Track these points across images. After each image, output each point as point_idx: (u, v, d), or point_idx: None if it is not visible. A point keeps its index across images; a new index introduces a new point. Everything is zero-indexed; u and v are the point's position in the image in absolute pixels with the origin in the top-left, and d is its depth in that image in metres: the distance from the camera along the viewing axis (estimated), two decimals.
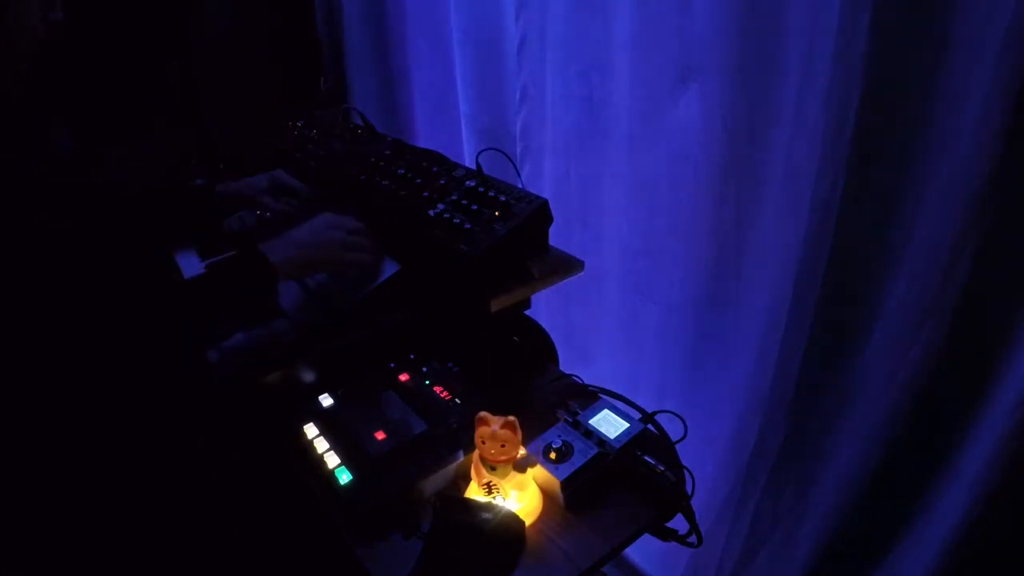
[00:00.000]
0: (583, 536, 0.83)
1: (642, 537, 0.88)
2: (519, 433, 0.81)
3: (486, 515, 0.79)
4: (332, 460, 0.88)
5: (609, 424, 0.92)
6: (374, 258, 1.01)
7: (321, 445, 0.90)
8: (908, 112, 0.83)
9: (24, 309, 0.69)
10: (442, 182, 1.04)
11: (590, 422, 0.93)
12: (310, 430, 0.93)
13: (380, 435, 0.90)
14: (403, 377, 1.01)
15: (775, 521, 1.20)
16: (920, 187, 0.85)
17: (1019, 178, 0.77)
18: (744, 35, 0.96)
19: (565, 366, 1.11)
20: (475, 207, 0.94)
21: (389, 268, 1.02)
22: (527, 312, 1.02)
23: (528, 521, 0.84)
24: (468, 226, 0.91)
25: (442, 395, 0.96)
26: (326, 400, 0.98)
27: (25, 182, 0.73)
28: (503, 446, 0.80)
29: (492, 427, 0.80)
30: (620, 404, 0.99)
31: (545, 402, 0.99)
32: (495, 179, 1.01)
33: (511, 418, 0.80)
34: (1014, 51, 0.72)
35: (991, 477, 0.87)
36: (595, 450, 0.89)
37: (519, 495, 0.84)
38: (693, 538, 0.91)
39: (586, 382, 1.07)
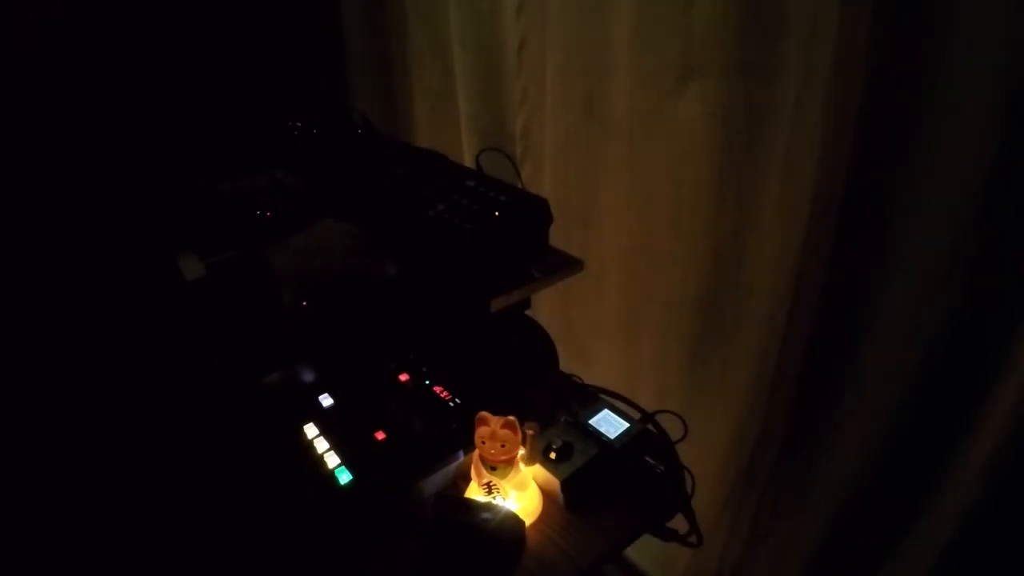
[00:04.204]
0: (583, 536, 0.83)
1: (642, 537, 0.88)
2: (519, 433, 0.81)
3: (486, 515, 0.79)
4: (332, 460, 0.88)
5: (609, 424, 0.92)
6: (375, 263, 1.01)
7: (321, 445, 0.90)
8: (908, 112, 0.83)
9: (23, 310, 0.69)
10: (442, 182, 1.04)
11: (590, 422, 0.93)
12: (310, 430, 0.93)
13: (380, 435, 0.90)
14: (403, 377, 1.01)
15: (775, 521, 1.20)
16: (920, 186, 0.85)
17: (1019, 178, 0.77)
18: (744, 35, 0.96)
19: (565, 366, 1.11)
20: (475, 207, 0.94)
21: (390, 271, 1.01)
22: (527, 312, 1.01)
23: (528, 521, 0.84)
24: (468, 226, 0.91)
25: (442, 395, 0.96)
26: (326, 400, 0.98)
27: (24, 183, 0.73)
28: (503, 446, 0.80)
29: (492, 427, 0.80)
30: (620, 404, 0.99)
31: (545, 402, 0.99)
32: (495, 179, 1.01)
33: (511, 418, 0.80)
34: (1014, 50, 0.72)
35: (992, 477, 0.87)
36: (595, 450, 0.89)
37: (519, 495, 0.84)
38: (693, 538, 0.91)
39: (586, 382, 1.07)
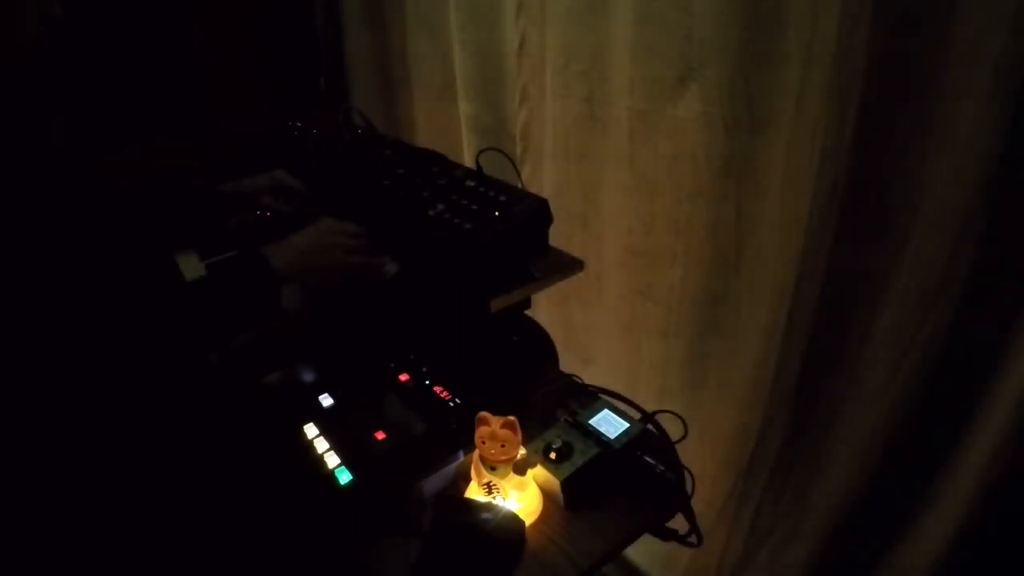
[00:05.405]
0: (583, 536, 0.83)
1: (642, 537, 0.88)
2: (519, 433, 0.81)
3: (486, 515, 0.79)
4: (332, 460, 0.88)
5: (609, 424, 0.92)
6: (375, 262, 1.01)
7: (321, 445, 0.90)
8: (908, 111, 0.83)
9: (23, 311, 0.69)
10: (442, 182, 1.04)
11: (590, 422, 0.93)
12: (310, 430, 0.93)
13: (380, 435, 0.90)
14: (403, 377, 1.01)
15: (775, 521, 1.20)
16: (920, 187, 0.85)
17: (1019, 177, 0.77)
18: (744, 35, 0.96)
19: (565, 366, 1.11)
20: (475, 207, 0.94)
21: (390, 271, 1.02)
22: (527, 312, 1.01)
23: (528, 521, 0.84)
24: (468, 226, 0.91)
25: (442, 395, 0.96)
26: (326, 400, 0.98)
27: (23, 183, 0.72)
28: (503, 446, 0.80)
29: (492, 427, 0.80)
30: (620, 404, 0.99)
31: (545, 402, 0.99)
32: (495, 179, 1.01)
33: (511, 418, 0.80)
34: (1014, 51, 0.72)
35: (991, 476, 0.87)
36: (595, 450, 0.89)
37: (519, 495, 0.84)
38: (693, 538, 0.91)
39: (586, 382, 1.07)
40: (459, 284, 0.91)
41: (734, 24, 0.97)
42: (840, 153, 0.88)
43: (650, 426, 0.95)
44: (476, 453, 0.84)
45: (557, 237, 0.97)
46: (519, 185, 1.02)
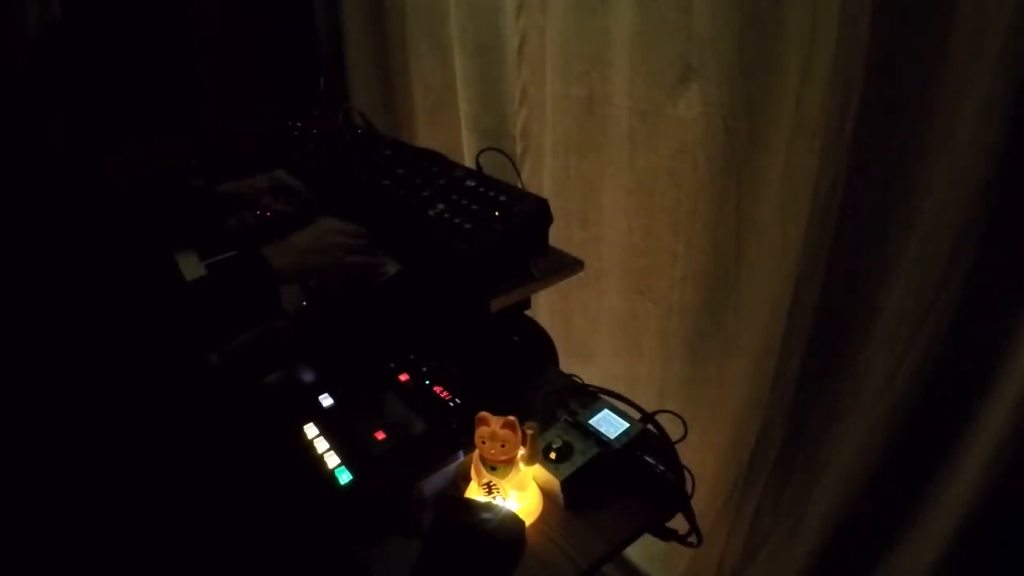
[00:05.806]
0: (583, 536, 0.83)
1: (642, 537, 0.88)
2: (519, 433, 0.81)
3: (486, 515, 0.79)
4: (332, 460, 0.88)
5: (609, 424, 0.92)
6: (375, 262, 1.01)
7: (321, 445, 0.90)
8: (908, 111, 0.83)
9: (23, 311, 0.69)
10: (442, 182, 1.04)
11: (590, 422, 0.93)
12: (310, 430, 0.93)
13: (380, 435, 0.90)
14: (403, 377, 1.01)
15: (775, 521, 1.20)
16: (920, 187, 0.85)
17: (1019, 178, 0.77)
18: (744, 35, 0.96)
19: (565, 366, 1.11)
20: (475, 207, 0.94)
21: (390, 271, 1.02)
22: (527, 312, 1.01)
23: (528, 521, 0.84)
24: (468, 226, 0.91)
25: (442, 395, 0.96)
26: (326, 400, 0.98)
27: (23, 183, 0.73)
28: (503, 446, 0.80)
29: (492, 427, 0.80)
30: (620, 404, 0.99)
31: (545, 402, 0.99)
32: (495, 179, 1.01)
33: (511, 418, 0.80)
34: (1014, 51, 0.72)
35: (991, 477, 0.87)
36: (595, 450, 0.89)
37: (519, 495, 0.84)
38: (693, 538, 0.91)
39: (586, 382, 1.07)
40: (459, 284, 0.91)
41: (734, 24, 0.97)
42: (840, 153, 0.88)
43: (650, 426, 0.95)
44: (476, 453, 0.84)
45: (557, 237, 0.97)
46: (519, 185, 1.02)
